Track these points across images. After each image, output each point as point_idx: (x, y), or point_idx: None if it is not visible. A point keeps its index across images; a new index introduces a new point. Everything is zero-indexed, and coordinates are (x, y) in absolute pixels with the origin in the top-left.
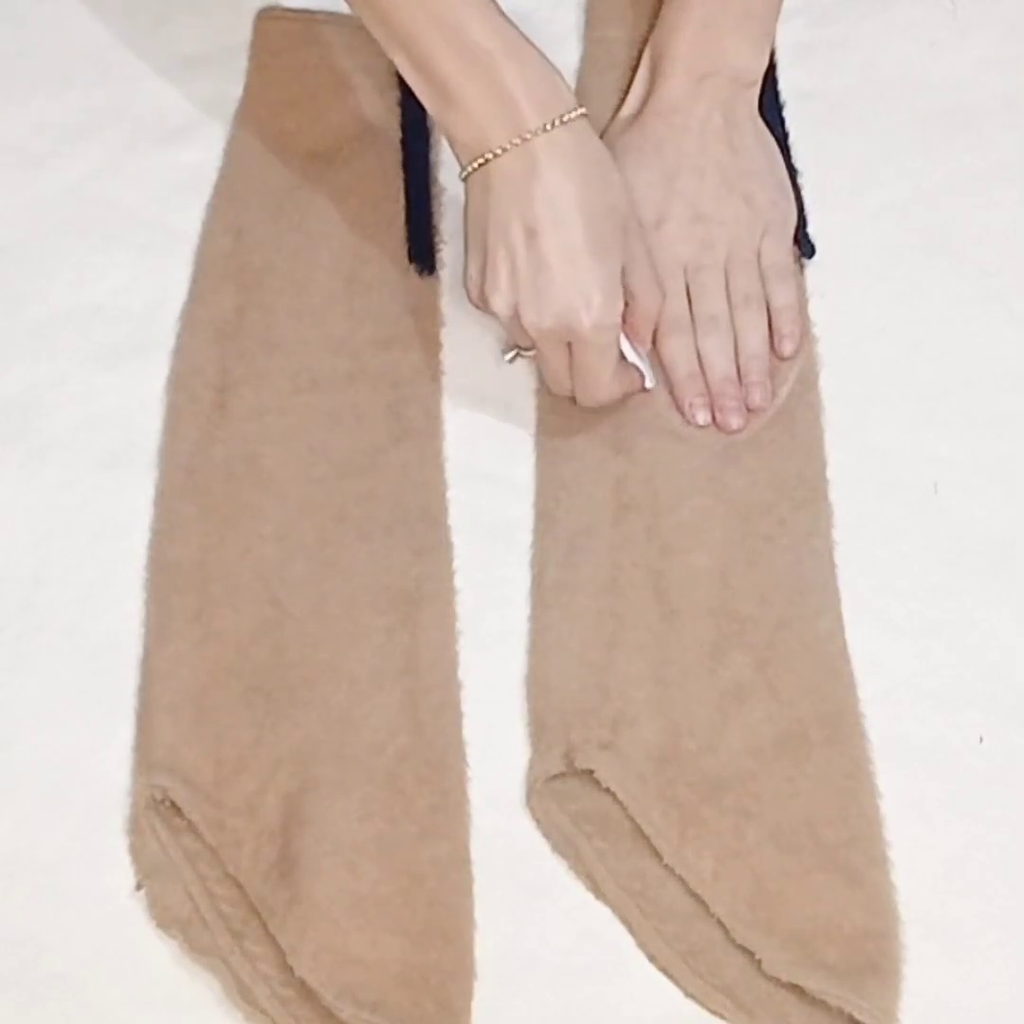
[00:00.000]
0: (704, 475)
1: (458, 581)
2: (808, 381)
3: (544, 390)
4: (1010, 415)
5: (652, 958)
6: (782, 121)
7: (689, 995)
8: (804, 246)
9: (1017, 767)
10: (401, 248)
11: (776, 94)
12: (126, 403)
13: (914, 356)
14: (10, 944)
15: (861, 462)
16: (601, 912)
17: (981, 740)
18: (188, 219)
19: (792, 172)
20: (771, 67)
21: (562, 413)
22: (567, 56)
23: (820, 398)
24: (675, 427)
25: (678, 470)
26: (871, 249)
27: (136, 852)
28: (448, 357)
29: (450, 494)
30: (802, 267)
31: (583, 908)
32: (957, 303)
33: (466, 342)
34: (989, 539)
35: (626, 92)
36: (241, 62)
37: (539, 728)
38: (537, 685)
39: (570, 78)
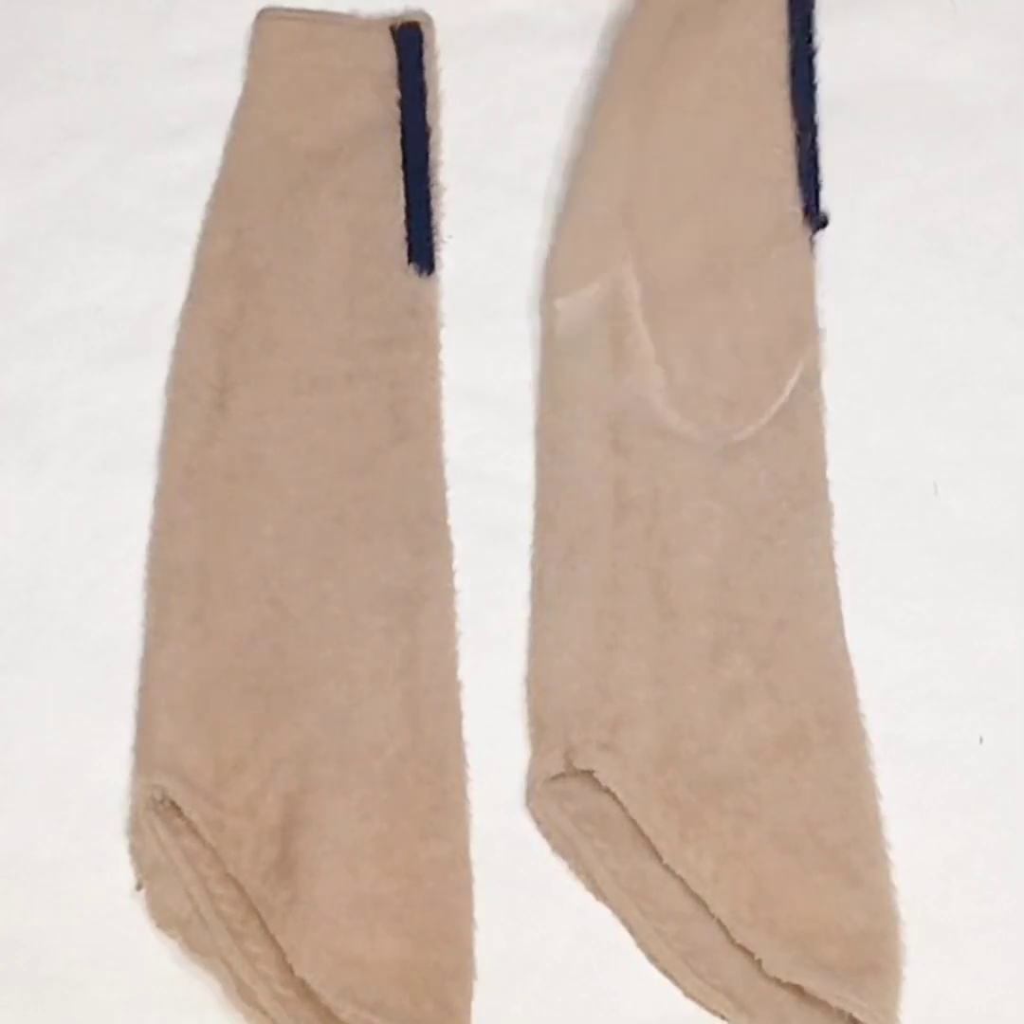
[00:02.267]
0: (704, 475)
1: (458, 581)
2: (811, 380)
3: (544, 389)
4: (1010, 415)
5: (652, 958)
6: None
7: (689, 995)
8: (816, 217)
9: (1017, 767)
10: (401, 248)
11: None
12: (125, 404)
13: (914, 356)
14: (10, 944)
15: (861, 462)
16: (601, 912)
17: (981, 740)
18: (188, 219)
19: (813, 145)
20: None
21: (562, 414)
22: (567, 56)
23: (823, 397)
24: (674, 427)
25: (678, 470)
26: (871, 249)
27: (136, 852)
28: (448, 357)
29: (450, 494)
30: (814, 246)
31: (583, 908)
32: (957, 303)
33: (466, 342)
34: (989, 539)
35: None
36: (241, 62)
37: (539, 728)
38: (537, 685)
39: (572, 78)
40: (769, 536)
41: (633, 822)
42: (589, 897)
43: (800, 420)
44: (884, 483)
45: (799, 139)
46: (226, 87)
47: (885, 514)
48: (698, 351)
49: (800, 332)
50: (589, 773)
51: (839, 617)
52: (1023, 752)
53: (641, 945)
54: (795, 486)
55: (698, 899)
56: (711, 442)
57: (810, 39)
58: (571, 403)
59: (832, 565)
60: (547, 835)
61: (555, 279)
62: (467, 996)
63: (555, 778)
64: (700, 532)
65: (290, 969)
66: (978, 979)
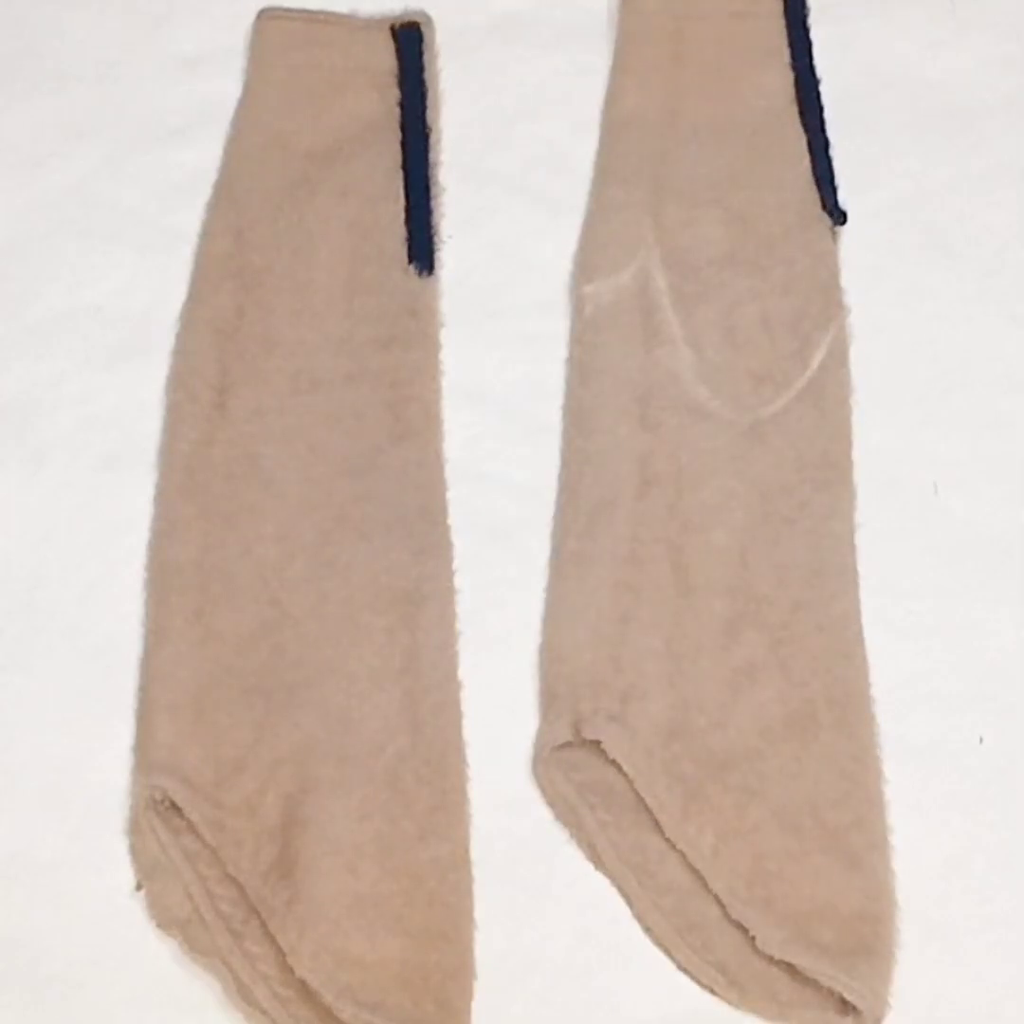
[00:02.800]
0: (729, 454)
1: (458, 581)
2: (839, 355)
3: (572, 364)
4: (1010, 415)
5: (648, 930)
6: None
7: (682, 969)
8: (835, 213)
9: (1017, 767)
10: (401, 248)
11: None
12: (125, 403)
13: (914, 356)
14: (10, 944)
15: (861, 462)
16: (601, 912)
17: (981, 740)
18: (188, 219)
19: (825, 143)
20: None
21: (590, 388)
22: (567, 56)
23: (850, 375)
24: (703, 402)
25: (703, 448)
26: (871, 249)
27: (136, 852)
28: (448, 357)
29: (450, 494)
30: (835, 235)
31: (583, 908)
32: (957, 303)
33: (466, 342)
34: (989, 539)
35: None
36: (241, 62)
37: (549, 697)
38: (550, 654)
39: (572, 78)
40: (790, 518)
41: (637, 795)
42: (589, 897)
43: (828, 397)
44: (884, 483)
45: (811, 146)
46: (226, 87)
47: (885, 514)
48: (727, 328)
49: (827, 305)
50: (596, 744)
51: (856, 601)
52: (1023, 752)
53: (638, 917)
54: (818, 467)
55: (697, 874)
56: (739, 417)
57: (810, 60)
58: (599, 377)
59: (852, 549)
60: (551, 803)
61: (584, 267)
62: (467, 996)
63: (562, 747)
64: (722, 510)
65: (290, 969)
66: (978, 979)
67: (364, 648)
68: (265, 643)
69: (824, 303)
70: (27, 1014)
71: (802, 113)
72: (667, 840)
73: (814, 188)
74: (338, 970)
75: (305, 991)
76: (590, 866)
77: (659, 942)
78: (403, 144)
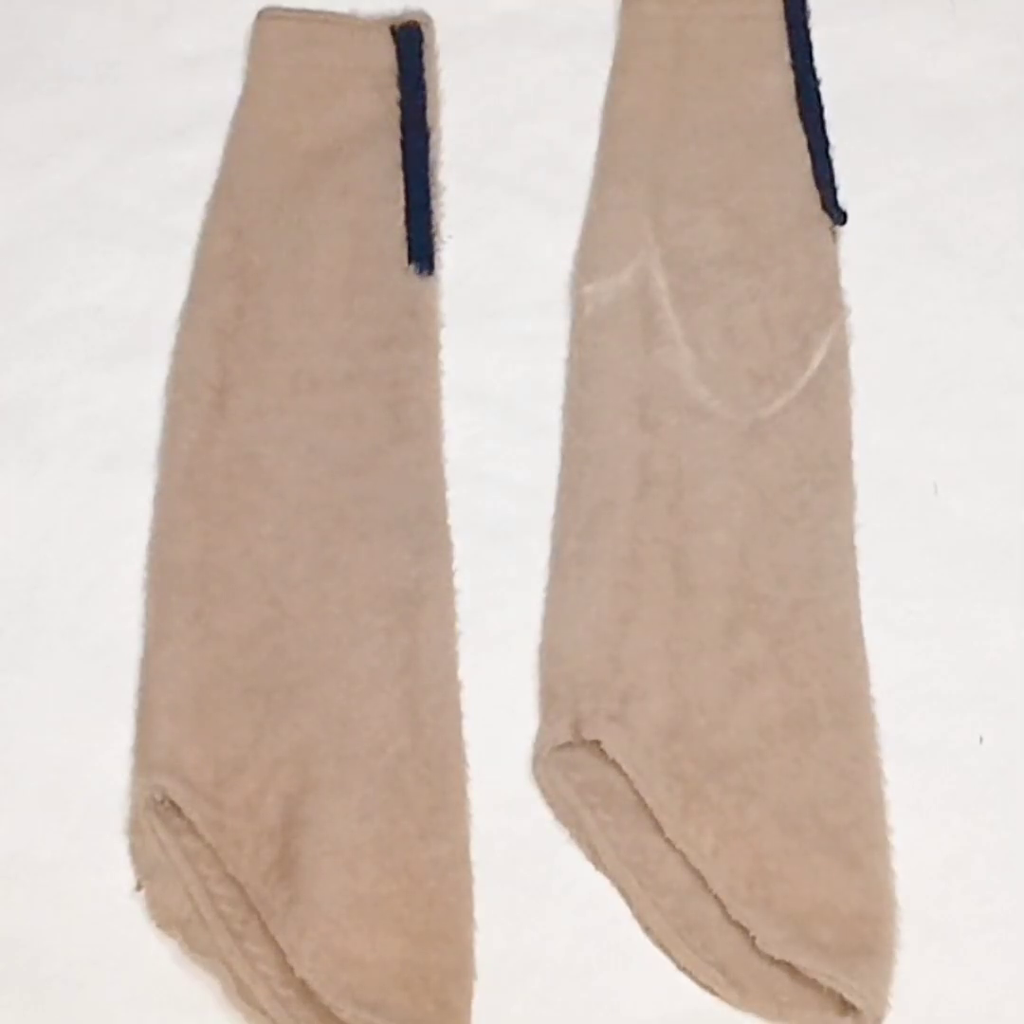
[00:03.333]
0: (729, 454)
1: (458, 581)
2: (839, 355)
3: (572, 364)
4: (1010, 415)
5: (648, 931)
6: (818, 95)
7: (682, 969)
8: (834, 213)
9: (1017, 767)
10: (401, 248)
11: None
12: (125, 404)
13: (914, 356)
14: (10, 944)
15: (861, 462)
16: (601, 912)
17: (981, 740)
18: (188, 219)
19: (825, 143)
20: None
21: (590, 388)
22: (567, 56)
23: (850, 375)
24: (703, 402)
25: (704, 448)
26: (871, 249)
27: (136, 852)
28: (448, 357)
29: (450, 494)
30: (835, 235)
31: (583, 908)
32: (957, 303)
33: (466, 342)
34: (989, 539)
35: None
36: (241, 62)
37: (549, 697)
38: (550, 654)
39: (572, 78)
40: (790, 517)
41: (637, 795)
42: (589, 897)
43: (828, 398)
44: (884, 483)
45: (811, 146)
46: (226, 87)
47: (885, 514)
48: (727, 328)
49: (827, 305)
50: (596, 744)
51: (856, 600)
52: (1023, 752)
53: (638, 917)
54: (818, 468)
55: (697, 874)
56: (739, 418)
57: (811, 62)
58: (599, 377)
59: (852, 549)
60: (551, 804)
61: (584, 267)
62: (467, 996)
63: (562, 747)
64: (722, 510)
65: (290, 969)
66: (978, 979)
67: (364, 648)
68: (265, 643)
69: (824, 303)
70: (27, 1014)
71: (802, 113)
72: (667, 840)
73: (814, 188)
74: (338, 970)
75: (305, 991)
76: (590, 866)
77: (659, 942)
78: (403, 144)
